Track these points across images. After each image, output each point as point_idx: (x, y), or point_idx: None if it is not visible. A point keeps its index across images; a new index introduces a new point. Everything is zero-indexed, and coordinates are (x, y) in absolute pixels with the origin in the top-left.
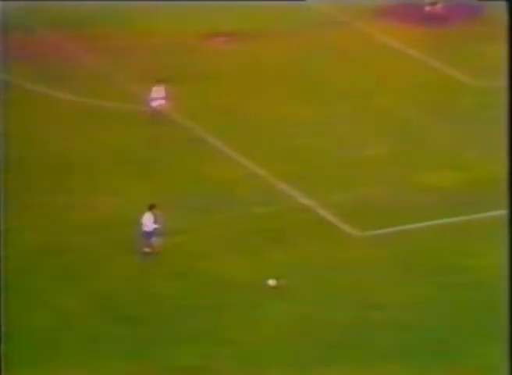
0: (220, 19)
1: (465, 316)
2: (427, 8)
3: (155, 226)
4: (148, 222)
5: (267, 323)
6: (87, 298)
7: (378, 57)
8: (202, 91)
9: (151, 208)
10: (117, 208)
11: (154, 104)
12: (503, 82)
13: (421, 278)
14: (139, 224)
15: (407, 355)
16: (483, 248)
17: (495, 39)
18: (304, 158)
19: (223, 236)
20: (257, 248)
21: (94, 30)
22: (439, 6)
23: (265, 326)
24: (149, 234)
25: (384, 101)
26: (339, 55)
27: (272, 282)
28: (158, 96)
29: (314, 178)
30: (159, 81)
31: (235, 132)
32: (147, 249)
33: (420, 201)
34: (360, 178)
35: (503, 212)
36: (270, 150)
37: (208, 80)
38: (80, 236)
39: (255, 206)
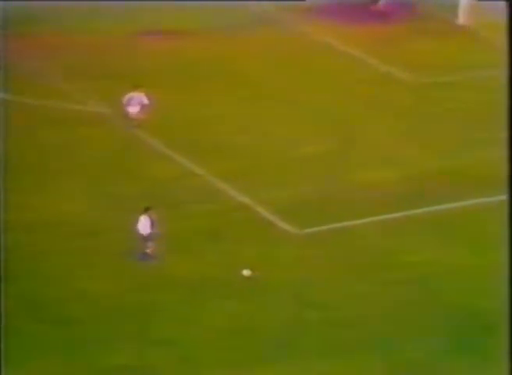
0: (155, 17)
1: (404, 312)
2: (372, 8)
3: (150, 231)
4: (144, 225)
5: (204, 322)
6: (18, 297)
7: (316, 55)
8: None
9: (146, 210)
10: (54, 206)
11: (132, 110)
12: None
13: (360, 275)
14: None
15: (347, 353)
16: (421, 244)
17: (433, 36)
18: (241, 156)
19: (160, 234)
20: (195, 247)
21: (26, 29)
22: (381, 3)
23: (202, 324)
24: (146, 238)
25: (322, 98)
26: (277, 53)
27: (246, 272)
28: (134, 102)
29: (252, 176)
30: (136, 87)
31: (171, 130)
32: (148, 250)
33: (358, 198)
34: (298, 175)
35: (442, 207)
36: (207, 148)
37: (143, 78)
38: (11, 234)
39: (193, 204)
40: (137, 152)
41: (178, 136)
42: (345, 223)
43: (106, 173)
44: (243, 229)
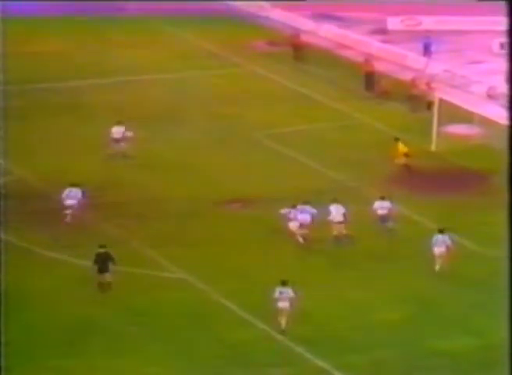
0: (235, 184)
1: None
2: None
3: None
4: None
5: None
6: None
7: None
8: (216, 255)
9: None
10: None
11: None
12: None
13: None
14: None
15: None
16: None
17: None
18: (319, 322)
19: None
20: None
21: None
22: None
23: None
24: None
25: (395, 266)
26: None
27: None
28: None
29: (328, 341)
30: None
31: (252, 294)
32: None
33: (432, 365)
34: (373, 342)
35: None
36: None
37: (224, 245)
38: None
39: (269, 367)
40: (217, 316)
41: (258, 299)
42: None
43: (190, 337)
44: None
